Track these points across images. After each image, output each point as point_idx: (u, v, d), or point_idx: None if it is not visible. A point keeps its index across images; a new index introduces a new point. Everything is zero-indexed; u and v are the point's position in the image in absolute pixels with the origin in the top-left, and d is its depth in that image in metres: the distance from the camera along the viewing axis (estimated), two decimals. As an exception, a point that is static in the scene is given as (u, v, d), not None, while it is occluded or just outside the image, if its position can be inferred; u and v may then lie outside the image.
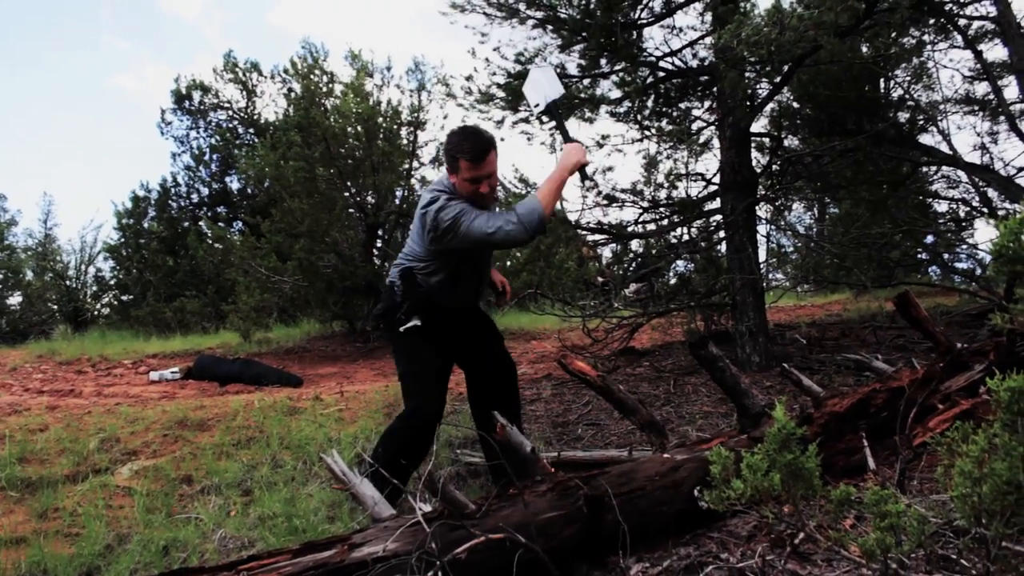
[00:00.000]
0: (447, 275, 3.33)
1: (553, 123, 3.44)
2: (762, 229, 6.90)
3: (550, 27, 6.25)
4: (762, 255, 6.75)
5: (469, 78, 6.68)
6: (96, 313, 18.35)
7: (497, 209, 3.43)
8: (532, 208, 3.09)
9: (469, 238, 3.10)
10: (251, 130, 17.20)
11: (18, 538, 3.60)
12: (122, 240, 17.49)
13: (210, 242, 13.19)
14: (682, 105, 6.90)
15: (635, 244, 7.73)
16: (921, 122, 7.29)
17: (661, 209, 7.12)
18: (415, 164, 11.34)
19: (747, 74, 5.81)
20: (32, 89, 43.31)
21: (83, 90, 44.99)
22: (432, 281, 3.32)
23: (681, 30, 6.57)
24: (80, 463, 4.73)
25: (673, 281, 7.88)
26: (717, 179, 6.61)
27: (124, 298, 17.19)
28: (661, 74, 6.53)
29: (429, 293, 3.33)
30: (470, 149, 3.13)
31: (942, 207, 9.01)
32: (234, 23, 54.87)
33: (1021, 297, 1.38)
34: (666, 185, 7.06)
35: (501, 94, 6.62)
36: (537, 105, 3.43)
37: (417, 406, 3.32)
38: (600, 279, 9.08)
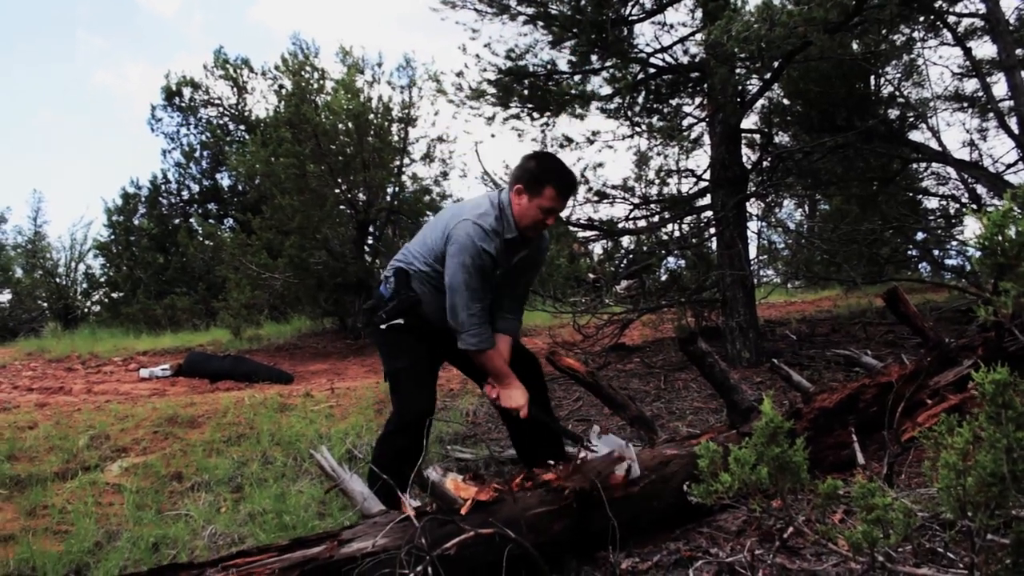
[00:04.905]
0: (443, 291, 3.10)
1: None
2: (752, 225, 6.91)
3: (541, 23, 6.25)
4: (752, 251, 6.77)
5: (460, 74, 6.68)
6: (86, 310, 18.26)
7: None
8: (484, 340, 2.99)
9: (450, 275, 2.97)
10: (242, 127, 17.08)
11: (6, 536, 3.58)
12: (112, 237, 17.38)
13: (201, 239, 13.12)
14: (673, 101, 6.91)
15: (626, 240, 7.75)
16: (911, 119, 7.32)
17: (652, 205, 7.14)
18: (406, 161, 11.31)
19: (737, 70, 5.82)
20: (17, 87, 43.13)
21: (68, 87, 44.83)
22: (425, 289, 3.12)
23: (672, 26, 6.61)
24: (69, 460, 4.71)
25: (664, 277, 7.90)
26: (708, 175, 6.63)
27: (114, 295, 17.05)
28: (651, 70, 6.55)
29: (419, 299, 3.12)
30: (568, 184, 3.02)
31: (932, 203, 9.08)
32: (215, 19, 54.67)
33: (1006, 290, 1.39)
34: (657, 181, 7.09)
35: (492, 90, 6.62)
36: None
37: (404, 407, 3.15)
38: (591, 275, 9.09)
